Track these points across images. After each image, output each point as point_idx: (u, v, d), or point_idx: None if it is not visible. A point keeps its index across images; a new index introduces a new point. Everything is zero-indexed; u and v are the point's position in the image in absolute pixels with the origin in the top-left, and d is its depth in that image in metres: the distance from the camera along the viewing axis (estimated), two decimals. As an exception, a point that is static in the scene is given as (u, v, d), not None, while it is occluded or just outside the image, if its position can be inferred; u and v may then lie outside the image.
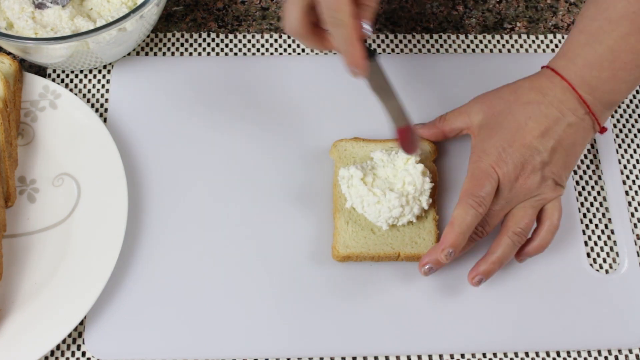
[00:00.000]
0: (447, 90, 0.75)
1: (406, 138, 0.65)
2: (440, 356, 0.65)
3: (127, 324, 0.64)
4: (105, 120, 0.73)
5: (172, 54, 0.77)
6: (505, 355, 0.65)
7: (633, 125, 0.76)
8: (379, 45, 0.79)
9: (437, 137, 0.70)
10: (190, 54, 0.78)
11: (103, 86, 0.75)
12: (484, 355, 0.65)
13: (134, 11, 0.67)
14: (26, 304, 0.63)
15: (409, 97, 0.75)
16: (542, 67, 0.67)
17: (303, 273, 0.67)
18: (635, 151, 0.74)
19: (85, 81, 0.75)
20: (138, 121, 0.73)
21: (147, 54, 0.77)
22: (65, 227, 0.67)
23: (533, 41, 0.80)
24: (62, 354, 0.64)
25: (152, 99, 0.74)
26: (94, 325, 0.64)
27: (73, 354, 0.64)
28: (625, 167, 0.74)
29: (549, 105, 0.63)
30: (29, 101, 0.72)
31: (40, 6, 0.70)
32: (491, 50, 0.79)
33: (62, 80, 0.75)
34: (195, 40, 0.78)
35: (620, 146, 0.75)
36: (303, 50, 0.78)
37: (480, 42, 0.79)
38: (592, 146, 0.74)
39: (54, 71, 0.76)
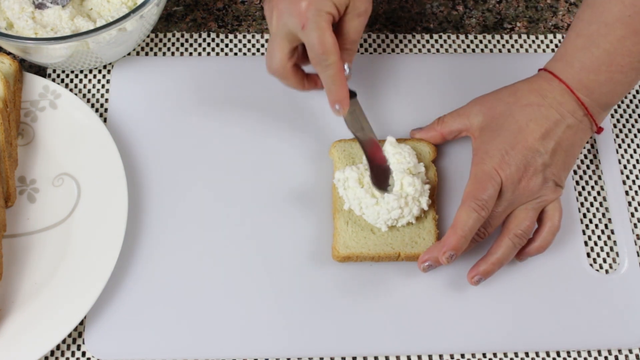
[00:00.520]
0: (447, 90, 0.75)
1: (380, 174, 0.66)
2: (440, 356, 0.65)
3: (127, 324, 0.64)
4: (105, 120, 0.73)
5: (172, 54, 0.77)
6: (505, 355, 0.65)
7: (633, 125, 0.76)
8: (379, 45, 0.79)
9: (436, 140, 0.70)
10: (190, 54, 0.78)
11: (103, 86, 0.75)
12: (484, 355, 0.65)
13: (134, 11, 0.67)
14: (26, 304, 0.63)
15: (409, 97, 0.75)
16: (540, 70, 0.67)
17: (303, 273, 0.67)
18: (635, 151, 0.74)
19: (85, 81, 0.75)
20: (138, 121, 0.73)
21: (147, 54, 0.77)
22: (65, 227, 0.67)
23: (533, 41, 0.80)
24: (62, 354, 0.64)
25: (152, 99, 0.74)
26: (94, 325, 0.64)
27: (73, 354, 0.64)
28: (625, 167, 0.74)
29: (549, 107, 0.64)
30: (29, 101, 0.72)
31: (40, 6, 0.70)
32: (491, 50, 0.79)
33: (62, 80, 0.75)
34: (195, 40, 0.78)
35: (620, 146, 0.75)
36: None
37: (480, 42, 0.79)
38: (592, 146, 0.74)
39: (54, 71, 0.76)
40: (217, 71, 0.76)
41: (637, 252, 0.69)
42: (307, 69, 0.65)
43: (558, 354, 0.65)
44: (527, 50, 0.79)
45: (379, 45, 0.79)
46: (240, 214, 0.69)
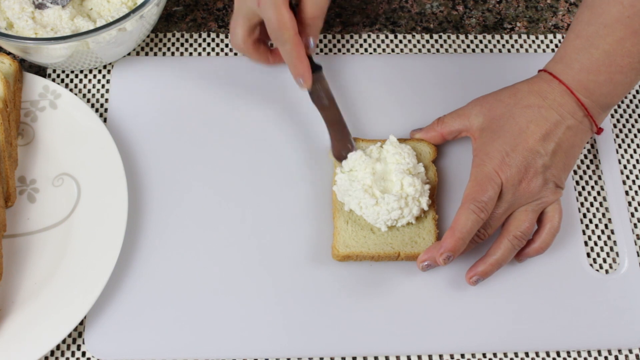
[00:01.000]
0: (447, 90, 0.75)
1: (339, 148, 0.69)
2: (440, 356, 0.65)
3: (127, 324, 0.64)
4: (105, 120, 0.73)
5: (172, 54, 0.77)
6: (505, 355, 0.65)
7: (633, 125, 0.76)
8: (379, 45, 0.79)
9: (436, 140, 0.70)
10: (190, 54, 0.78)
11: (103, 86, 0.75)
12: (484, 355, 0.65)
13: (134, 11, 0.67)
14: (26, 304, 0.63)
15: (409, 97, 0.75)
16: (539, 71, 0.67)
17: (303, 273, 0.67)
18: (635, 151, 0.74)
19: (85, 81, 0.75)
20: (138, 121, 0.73)
21: (147, 54, 0.77)
22: (65, 227, 0.67)
23: (533, 41, 0.80)
24: (62, 354, 0.64)
25: (152, 99, 0.74)
26: (94, 325, 0.64)
27: (73, 354, 0.64)
28: (625, 167, 0.74)
29: (549, 108, 0.64)
30: (29, 101, 0.72)
31: (40, 6, 0.70)
32: (491, 50, 0.79)
33: (62, 80, 0.75)
34: (195, 40, 0.78)
35: (620, 146, 0.75)
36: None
37: (480, 42, 0.79)
38: (592, 146, 0.74)
39: (54, 71, 0.76)
40: (217, 71, 0.76)
41: (637, 252, 0.69)
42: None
43: (558, 354, 0.65)
44: (527, 50, 0.79)
45: (378, 46, 0.79)
46: (240, 214, 0.69)
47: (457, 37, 0.80)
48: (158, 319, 0.64)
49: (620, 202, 0.71)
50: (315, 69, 0.68)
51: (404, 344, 0.64)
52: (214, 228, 0.68)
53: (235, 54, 0.77)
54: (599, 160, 0.74)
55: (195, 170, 0.71)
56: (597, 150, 0.74)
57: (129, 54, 0.76)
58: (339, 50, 0.78)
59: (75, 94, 0.74)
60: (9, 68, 0.71)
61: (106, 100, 0.74)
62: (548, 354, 0.65)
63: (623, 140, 0.75)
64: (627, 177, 0.73)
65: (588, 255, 0.69)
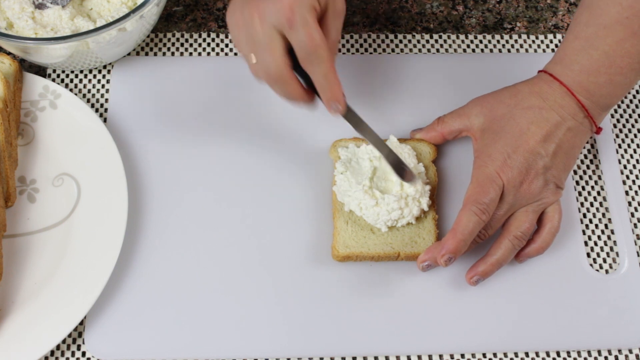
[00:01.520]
0: (447, 90, 0.75)
1: (397, 165, 0.65)
2: (440, 356, 0.65)
3: (127, 324, 0.64)
4: (105, 120, 0.73)
5: (172, 54, 0.77)
6: (505, 355, 0.65)
7: (633, 125, 0.76)
8: (378, 45, 0.79)
9: (437, 140, 0.70)
10: (190, 54, 0.78)
11: (103, 86, 0.75)
12: (484, 355, 0.65)
13: (134, 11, 0.67)
14: (26, 304, 0.63)
15: (409, 97, 0.75)
16: (539, 71, 0.67)
17: (303, 273, 0.67)
18: (635, 151, 0.74)
19: (85, 81, 0.75)
20: (138, 121, 0.73)
21: (147, 54, 0.77)
22: (65, 227, 0.67)
23: (533, 41, 0.80)
24: (62, 354, 0.64)
25: (152, 99, 0.74)
26: (94, 325, 0.64)
27: (73, 354, 0.64)
28: (625, 167, 0.74)
29: (550, 109, 0.64)
30: (29, 101, 0.72)
31: (40, 6, 0.70)
32: (491, 50, 0.79)
33: (62, 80, 0.75)
34: (195, 40, 0.78)
35: (620, 146, 0.75)
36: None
37: (480, 42, 0.79)
38: (592, 146, 0.74)
39: (54, 71, 0.76)
40: (217, 71, 0.76)
41: (637, 252, 0.69)
42: None
43: (558, 354, 0.65)
44: (527, 50, 0.79)
45: (378, 45, 0.79)
46: (240, 214, 0.69)
47: (457, 37, 0.80)
48: (158, 319, 0.64)
49: (620, 202, 0.71)
50: None
51: (404, 344, 0.64)
52: (214, 228, 0.68)
53: (236, 54, 0.77)
54: (599, 160, 0.74)
55: (195, 170, 0.71)
56: (597, 150, 0.74)
57: (129, 54, 0.76)
58: (339, 50, 0.78)
59: (75, 94, 0.74)
60: (9, 68, 0.71)
61: (106, 100, 0.74)
62: (548, 354, 0.65)
63: (623, 140, 0.75)
64: (627, 177, 0.73)
65: (588, 255, 0.69)
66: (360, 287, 0.66)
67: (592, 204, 0.72)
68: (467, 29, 0.80)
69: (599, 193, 0.72)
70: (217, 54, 0.78)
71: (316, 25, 0.55)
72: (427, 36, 0.80)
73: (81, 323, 0.65)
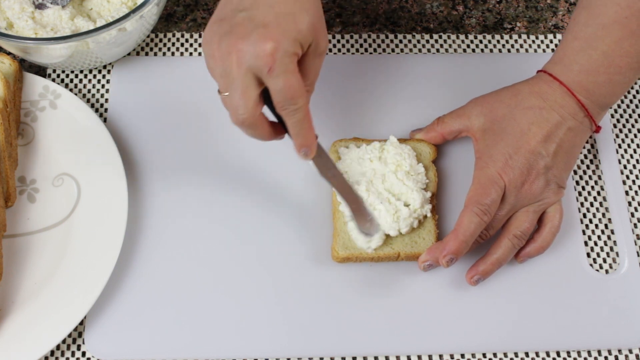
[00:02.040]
0: (447, 90, 0.75)
1: (360, 215, 0.63)
2: (440, 356, 0.65)
3: (127, 324, 0.64)
4: (105, 120, 0.73)
5: (172, 54, 0.77)
6: (505, 355, 0.65)
7: (633, 125, 0.76)
8: (379, 45, 0.79)
9: (437, 140, 0.70)
10: (191, 54, 0.77)
11: (103, 86, 0.75)
12: (484, 355, 0.65)
13: (134, 11, 0.67)
14: (26, 304, 0.63)
15: (409, 97, 0.75)
16: (538, 71, 0.67)
17: (303, 274, 0.67)
18: (635, 151, 0.74)
19: (85, 81, 0.75)
20: (138, 121, 0.73)
21: (147, 54, 0.77)
22: (65, 227, 0.67)
23: (533, 41, 0.80)
24: (62, 354, 0.64)
25: (152, 99, 0.74)
26: (94, 325, 0.64)
27: (73, 354, 0.64)
28: (625, 167, 0.74)
29: (550, 109, 0.64)
30: (29, 101, 0.72)
31: (40, 6, 0.70)
32: (491, 50, 0.79)
33: (62, 80, 0.75)
34: (195, 40, 0.78)
35: (620, 146, 0.75)
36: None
37: (480, 42, 0.79)
38: (592, 146, 0.74)
39: (54, 71, 0.76)
40: (217, 71, 0.75)
41: (637, 252, 0.69)
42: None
43: (558, 354, 0.65)
44: (527, 50, 0.79)
45: (378, 45, 0.79)
46: (240, 214, 0.69)
47: (457, 37, 0.80)
48: (158, 319, 0.64)
49: (620, 202, 0.71)
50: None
51: (404, 344, 0.64)
52: (214, 228, 0.68)
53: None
54: (599, 160, 0.74)
55: (195, 170, 0.71)
56: (597, 150, 0.74)
57: (129, 54, 0.76)
58: (339, 50, 0.78)
59: (75, 94, 0.74)
60: (9, 68, 0.71)
61: (106, 100, 0.74)
62: (548, 354, 0.65)
63: (623, 140, 0.75)
64: (627, 177, 0.73)
65: (588, 255, 0.69)
66: (360, 287, 0.66)
67: (592, 204, 0.72)
68: (467, 29, 0.80)
69: (599, 193, 0.72)
70: (217, 54, 0.78)
71: (295, 73, 0.53)
72: (427, 36, 0.80)
73: (81, 323, 0.65)
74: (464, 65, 0.77)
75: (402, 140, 0.70)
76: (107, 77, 0.76)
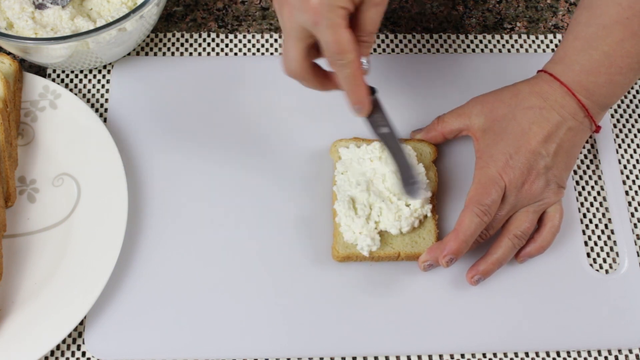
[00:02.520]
0: (447, 90, 0.75)
1: (407, 177, 0.62)
2: (440, 356, 0.65)
3: (127, 324, 0.64)
4: (105, 120, 0.73)
5: (172, 54, 0.77)
6: (505, 355, 0.65)
7: (633, 125, 0.76)
8: (378, 45, 0.79)
9: (437, 140, 0.70)
10: (191, 54, 0.78)
11: (103, 86, 0.75)
12: (484, 355, 0.65)
13: (134, 11, 0.67)
14: (26, 304, 0.63)
15: (409, 97, 0.75)
16: (538, 71, 0.67)
17: (303, 273, 0.67)
18: (635, 151, 0.74)
19: (85, 81, 0.75)
20: (138, 121, 0.73)
21: (147, 54, 0.77)
22: (65, 227, 0.67)
23: (533, 41, 0.80)
24: (62, 354, 0.64)
25: (152, 99, 0.74)
26: (94, 325, 0.64)
27: (73, 354, 0.64)
28: (625, 167, 0.74)
29: (550, 109, 0.64)
30: (29, 101, 0.72)
31: (40, 6, 0.70)
32: (491, 50, 0.79)
33: (62, 80, 0.75)
34: (195, 40, 0.78)
35: (620, 146, 0.75)
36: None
37: (480, 42, 0.79)
38: (592, 146, 0.74)
39: (54, 71, 0.76)
40: (217, 71, 0.76)
41: (637, 252, 0.69)
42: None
43: (558, 354, 0.65)
44: (527, 50, 0.79)
45: (378, 45, 0.79)
46: (240, 214, 0.69)
47: (457, 37, 0.80)
48: (158, 319, 0.64)
49: (620, 202, 0.71)
50: (372, 92, 0.61)
51: (404, 344, 0.64)
52: (214, 228, 0.68)
53: (236, 54, 0.77)
54: (599, 160, 0.74)
55: (195, 169, 0.71)
56: (597, 150, 0.74)
57: (129, 54, 0.76)
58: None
59: (75, 94, 0.74)
60: (9, 68, 0.71)
61: (106, 100, 0.74)
62: (548, 354, 0.65)
63: (623, 140, 0.75)
64: (627, 177, 0.73)
65: (588, 255, 0.69)
66: (360, 287, 0.66)
67: (592, 204, 0.72)
68: (467, 29, 0.80)
69: (599, 193, 0.72)
70: (217, 54, 0.78)
71: (342, 27, 0.53)
72: (427, 36, 0.80)
73: (81, 323, 0.65)
74: (464, 65, 0.77)
75: (402, 140, 0.70)
76: (107, 77, 0.76)
